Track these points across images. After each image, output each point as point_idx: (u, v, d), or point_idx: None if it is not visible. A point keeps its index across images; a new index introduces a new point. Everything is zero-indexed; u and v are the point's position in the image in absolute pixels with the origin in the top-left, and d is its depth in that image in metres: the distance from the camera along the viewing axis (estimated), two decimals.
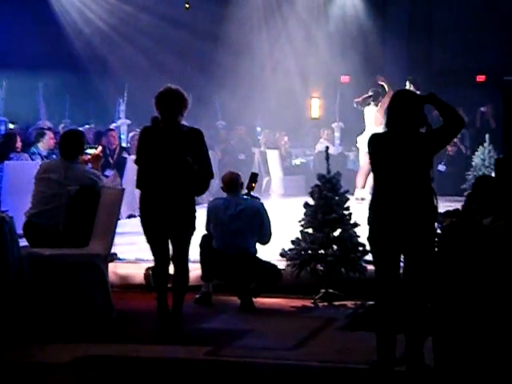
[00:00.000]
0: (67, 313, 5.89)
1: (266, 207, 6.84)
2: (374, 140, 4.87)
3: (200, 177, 5.65)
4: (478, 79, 16.74)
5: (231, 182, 6.77)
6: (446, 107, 4.72)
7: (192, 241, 6.90)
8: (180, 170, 5.57)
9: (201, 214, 7.02)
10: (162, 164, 5.59)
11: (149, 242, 5.81)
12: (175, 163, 5.57)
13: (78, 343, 5.43)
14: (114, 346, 5.45)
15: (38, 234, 6.32)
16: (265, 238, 6.75)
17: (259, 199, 7.02)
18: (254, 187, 6.98)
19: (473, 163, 12.80)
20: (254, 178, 7.01)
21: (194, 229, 5.79)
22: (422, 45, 17.58)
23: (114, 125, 13.43)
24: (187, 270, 5.86)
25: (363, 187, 11.38)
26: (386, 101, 11.20)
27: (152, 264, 7.18)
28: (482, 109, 14.69)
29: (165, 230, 5.69)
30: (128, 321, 6.09)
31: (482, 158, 12.72)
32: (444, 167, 13.18)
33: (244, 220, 6.63)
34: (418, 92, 10.65)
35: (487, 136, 12.99)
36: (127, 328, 5.94)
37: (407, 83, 11.65)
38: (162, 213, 5.63)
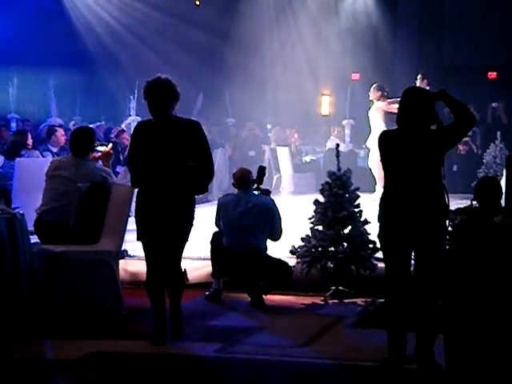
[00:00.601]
0: (77, 309, 5.90)
1: (276, 204, 6.83)
2: (385, 137, 4.87)
3: (197, 174, 5.27)
4: (489, 76, 16.67)
5: (242, 179, 6.76)
6: (457, 104, 4.69)
7: (203, 238, 6.92)
8: (174, 171, 5.21)
9: (212, 211, 7.05)
10: (155, 165, 5.23)
11: (144, 248, 5.43)
12: (168, 164, 5.21)
13: (88, 340, 5.45)
14: (124, 342, 5.46)
15: (49, 230, 6.34)
16: (275, 235, 6.74)
17: (270, 191, 7.01)
18: (262, 180, 6.97)
19: (484, 160, 12.76)
20: (262, 171, 7.00)
21: (188, 233, 5.40)
22: (433, 41, 17.52)
23: (125, 122, 13.43)
24: (181, 275, 5.65)
25: None
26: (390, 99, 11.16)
27: None
28: (494, 104, 14.64)
29: (161, 235, 5.31)
30: (138, 318, 6.10)
31: (494, 155, 12.67)
32: (455, 166, 13.13)
33: (254, 217, 6.62)
34: (429, 87, 10.64)
35: (499, 133, 12.94)
36: (137, 325, 5.95)
37: (419, 77, 11.59)
38: (158, 216, 5.27)
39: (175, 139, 5.25)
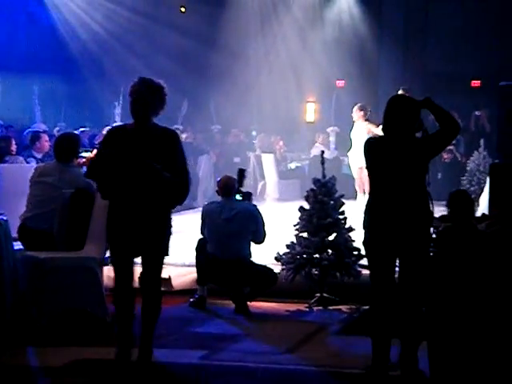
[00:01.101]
0: (62, 316, 5.87)
1: (259, 209, 6.86)
2: (371, 145, 4.88)
3: (173, 186, 4.79)
4: (473, 84, 16.78)
5: (226, 186, 6.79)
6: (442, 112, 4.72)
7: (188, 244, 6.91)
8: (148, 179, 4.74)
9: (197, 218, 7.05)
10: (126, 173, 4.76)
11: (113, 262, 5.02)
12: (141, 171, 4.74)
13: (73, 347, 5.42)
14: (108, 349, 5.42)
15: (33, 237, 6.31)
16: (259, 238, 6.75)
17: (251, 193, 7.05)
18: (242, 182, 7.01)
19: (467, 168, 12.83)
20: (241, 173, 7.04)
21: (167, 248, 4.96)
22: (418, 50, 17.62)
23: (107, 128, 13.39)
24: (159, 299, 4.99)
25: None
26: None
27: None
28: (477, 112, 14.72)
29: (132, 250, 4.88)
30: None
31: (477, 163, 12.74)
32: (440, 174, 13.20)
33: (239, 223, 6.63)
34: None
35: (482, 141, 13.02)
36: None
37: (399, 92, 11.63)
38: (131, 230, 4.82)
39: (149, 147, 4.80)
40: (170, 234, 4.96)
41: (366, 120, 11.36)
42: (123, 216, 4.84)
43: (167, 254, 4.98)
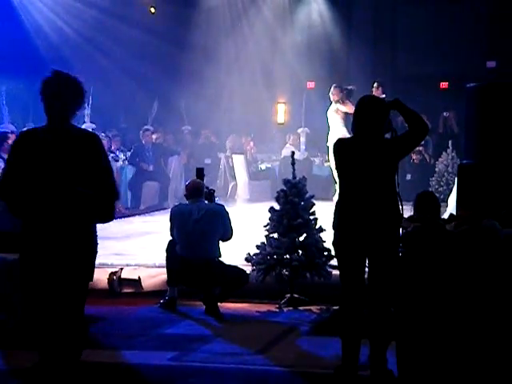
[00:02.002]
0: (28, 317, 5.80)
1: (228, 209, 6.89)
2: (340, 145, 4.90)
3: (98, 202, 4.10)
4: (441, 86, 16.95)
5: (194, 190, 6.81)
6: (411, 113, 4.76)
7: (158, 245, 6.87)
8: (70, 203, 4.06)
9: (167, 219, 7.02)
10: (46, 195, 4.05)
11: (26, 291, 4.21)
12: (66, 198, 4.05)
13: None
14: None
15: (0, 238, 6.23)
16: (227, 235, 6.76)
17: (214, 190, 7.08)
18: (203, 180, 7.08)
19: (436, 169, 12.95)
20: (200, 172, 7.13)
21: (91, 272, 4.25)
22: (387, 51, 17.74)
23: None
24: (80, 334, 4.24)
25: None
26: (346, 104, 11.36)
27: (115, 269, 7.19)
28: (445, 113, 14.87)
29: (49, 277, 4.10)
30: (91, 326, 6.02)
31: (446, 163, 12.87)
32: (409, 175, 13.30)
33: (207, 222, 6.65)
34: (384, 96, 10.82)
35: (450, 142, 13.15)
36: (89, 333, 5.87)
37: (375, 85, 11.77)
38: (47, 253, 4.08)
39: (67, 156, 4.10)
40: (95, 254, 4.27)
41: (338, 101, 11.50)
42: (39, 238, 4.09)
43: (91, 280, 4.27)
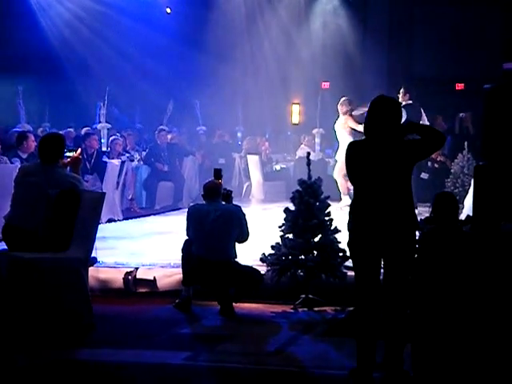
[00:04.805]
0: (46, 317, 5.85)
1: (244, 210, 6.87)
2: (353, 148, 4.86)
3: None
4: (457, 87, 16.89)
5: (212, 190, 6.80)
6: (426, 129, 4.76)
7: (174, 245, 6.87)
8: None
9: (182, 218, 7.04)
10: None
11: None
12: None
13: (54, 348, 5.40)
14: (91, 350, 5.42)
15: (18, 237, 6.26)
16: (243, 236, 6.75)
17: (231, 191, 7.05)
18: (220, 183, 7.06)
19: (452, 170, 12.89)
20: (218, 173, 7.11)
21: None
22: (402, 53, 17.71)
23: (86, 129, 13.37)
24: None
25: None
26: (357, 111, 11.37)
27: (131, 269, 7.22)
28: (461, 114, 14.79)
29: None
30: (105, 325, 6.05)
31: (462, 165, 12.79)
32: (426, 175, 13.25)
33: (223, 223, 6.64)
34: (411, 102, 10.88)
35: (466, 143, 13.08)
36: (105, 333, 5.91)
37: (401, 90, 11.68)
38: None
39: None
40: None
41: (346, 113, 11.52)
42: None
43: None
